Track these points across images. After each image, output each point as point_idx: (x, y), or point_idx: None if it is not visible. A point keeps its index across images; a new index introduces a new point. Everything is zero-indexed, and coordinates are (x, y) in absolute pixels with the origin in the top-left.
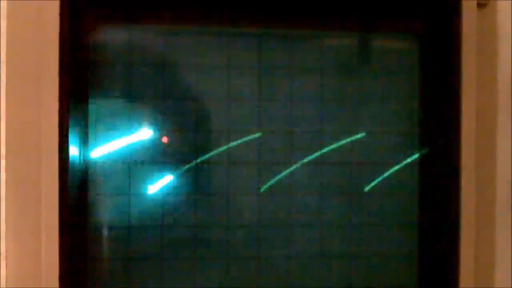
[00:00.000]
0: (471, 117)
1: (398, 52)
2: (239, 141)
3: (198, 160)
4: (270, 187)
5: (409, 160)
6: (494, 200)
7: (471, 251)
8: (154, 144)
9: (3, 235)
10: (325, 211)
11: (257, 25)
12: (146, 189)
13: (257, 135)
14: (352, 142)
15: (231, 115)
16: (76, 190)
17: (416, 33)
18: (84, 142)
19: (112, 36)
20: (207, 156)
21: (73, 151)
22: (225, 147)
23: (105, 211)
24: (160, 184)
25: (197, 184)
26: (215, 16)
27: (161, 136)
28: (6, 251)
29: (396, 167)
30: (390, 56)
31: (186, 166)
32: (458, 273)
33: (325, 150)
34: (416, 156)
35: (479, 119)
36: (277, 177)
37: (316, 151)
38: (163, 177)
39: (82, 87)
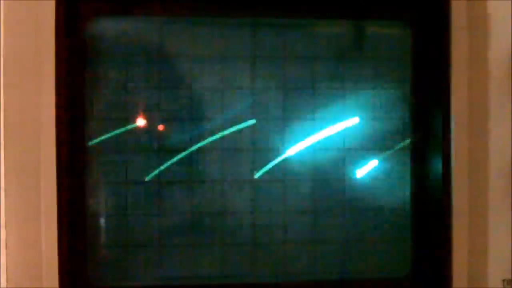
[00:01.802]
0: (462, 102)
1: (390, 38)
2: (233, 129)
3: (193, 148)
4: (264, 173)
5: (401, 145)
6: (486, 185)
7: (464, 236)
8: (150, 132)
9: (3, 223)
10: (318, 197)
11: (250, 13)
12: (142, 177)
13: (251, 122)
14: (345, 128)
15: (225, 102)
16: (74, 178)
17: (408, 19)
18: (82, 130)
19: (108, 26)
20: (201, 143)
21: (71, 139)
22: (219, 135)
23: (102, 199)
24: (156, 172)
25: (192, 171)
26: (208, 5)
27: (156, 125)
28: (7, 239)
29: (389, 153)
30: (382, 42)
31: (181, 154)
32: (451, 259)
33: (318, 136)
34: (408, 141)
35: (471, 104)
36: (271, 164)
37: (309, 137)
38: (158, 164)
39: (79, 76)
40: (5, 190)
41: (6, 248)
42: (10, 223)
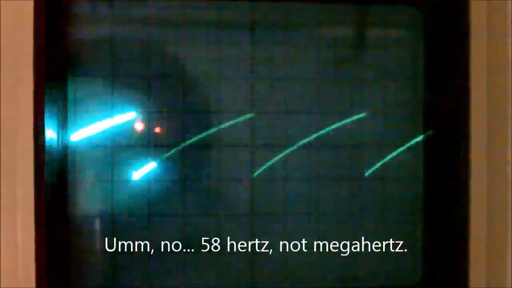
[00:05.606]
0: (481, 95)
1: (401, 28)
2: (230, 123)
3: (186, 143)
4: (264, 172)
5: (413, 142)
6: (507, 180)
7: (482, 238)
8: (139, 127)
9: None
10: (323, 198)
11: None
12: (130, 175)
13: (249, 116)
14: (351, 123)
15: (222, 95)
16: (55, 177)
17: (420, 6)
18: (63, 125)
19: (93, 11)
20: (195, 139)
21: (51, 135)
22: (215, 129)
23: (86, 199)
24: (145, 170)
25: (185, 169)
26: None
27: (146, 118)
28: None
29: (399, 150)
30: (392, 32)
31: (173, 150)
32: (468, 264)
33: (322, 132)
34: (420, 137)
35: (490, 97)
36: (271, 161)
37: (313, 133)
38: (148, 162)
39: (59, 66)
40: None
41: None
42: None
